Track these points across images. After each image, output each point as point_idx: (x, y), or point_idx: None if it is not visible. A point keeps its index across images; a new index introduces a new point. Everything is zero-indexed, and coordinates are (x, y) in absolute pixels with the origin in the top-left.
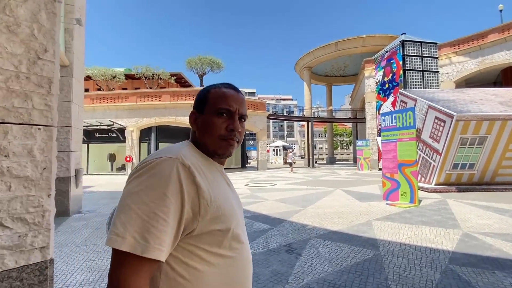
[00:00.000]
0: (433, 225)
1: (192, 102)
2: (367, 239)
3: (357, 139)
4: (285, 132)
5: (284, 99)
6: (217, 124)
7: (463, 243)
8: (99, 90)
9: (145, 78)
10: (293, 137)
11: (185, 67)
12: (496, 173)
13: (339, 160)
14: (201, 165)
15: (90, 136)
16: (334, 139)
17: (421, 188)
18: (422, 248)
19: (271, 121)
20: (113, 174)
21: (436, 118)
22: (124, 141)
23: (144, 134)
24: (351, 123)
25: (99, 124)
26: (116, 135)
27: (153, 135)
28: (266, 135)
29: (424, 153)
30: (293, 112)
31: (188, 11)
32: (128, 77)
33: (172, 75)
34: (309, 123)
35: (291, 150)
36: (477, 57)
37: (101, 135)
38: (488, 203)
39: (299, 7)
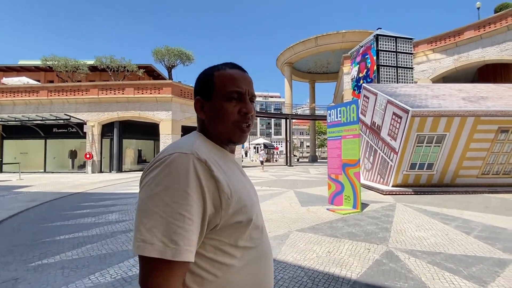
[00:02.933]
0: (359, 238)
1: (159, 95)
2: None
3: None
4: (273, 130)
5: (272, 96)
6: (229, 109)
7: (377, 266)
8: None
9: (110, 70)
10: (281, 134)
11: (153, 60)
12: (457, 174)
13: (323, 158)
14: (215, 157)
15: (47, 131)
16: (318, 137)
17: (377, 190)
18: (320, 275)
19: (258, 119)
20: (74, 172)
21: (394, 114)
22: (85, 136)
23: (106, 129)
24: None
25: (54, 118)
26: (76, 130)
27: (115, 131)
28: None
29: (383, 152)
30: (280, 109)
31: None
32: (95, 69)
33: (141, 67)
34: (288, 120)
35: (262, 148)
36: (453, 55)
37: (60, 130)
38: (439, 208)
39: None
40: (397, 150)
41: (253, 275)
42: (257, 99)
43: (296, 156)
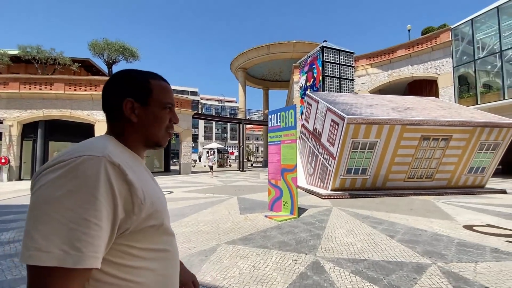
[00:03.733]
0: (289, 248)
1: (95, 93)
2: None
3: None
4: (228, 134)
5: (227, 101)
6: (165, 117)
7: (300, 280)
8: None
9: (37, 62)
10: (237, 139)
11: (90, 53)
12: (387, 178)
13: None
14: (128, 161)
15: None
16: None
17: (317, 194)
18: None
19: (213, 123)
20: None
21: (332, 120)
22: (0, 138)
23: (29, 130)
24: None
25: None
26: None
27: (40, 132)
28: (191, 135)
29: (323, 157)
30: (236, 114)
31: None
32: (19, 60)
33: (76, 61)
34: (241, 125)
35: (212, 152)
36: (387, 70)
37: None
38: (370, 212)
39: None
40: (335, 155)
41: (163, 277)
42: (213, 103)
43: (250, 161)
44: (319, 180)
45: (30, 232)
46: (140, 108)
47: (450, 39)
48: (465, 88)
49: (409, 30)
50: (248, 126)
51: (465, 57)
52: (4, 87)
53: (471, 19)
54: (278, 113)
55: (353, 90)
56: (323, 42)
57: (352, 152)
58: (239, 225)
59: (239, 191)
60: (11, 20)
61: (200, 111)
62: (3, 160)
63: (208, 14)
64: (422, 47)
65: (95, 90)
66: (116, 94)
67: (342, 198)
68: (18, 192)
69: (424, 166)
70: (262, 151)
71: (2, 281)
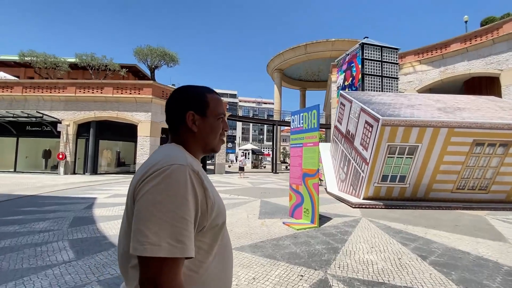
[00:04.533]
0: (299, 261)
1: (138, 96)
2: None
3: None
4: (265, 136)
5: (265, 103)
6: (219, 126)
7: None
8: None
9: (91, 69)
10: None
11: (135, 59)
12: (431, 188)
13: None
14: (200, 168)
15: (19, 129)
16: None
17: (347, 203)
18: None
19: (251, 124)
20: (46, 172)
21: (366, 122)
22: (59, 136)
23: (82, 129)
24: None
25: (26, 115)
26: (50, 129)
27: (92, 131)
28: (225, 136)
29: (355, 162)
30: (272, 116)
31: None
32: (76, 67)
33: (124, 67)
34: (275, 126)
35: (242, 154)
36: (439, 67)
37: (33, 129)
38: (404, 225)
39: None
40: (368, 161)
41: (224, 269)
42: (250, 105)
43: (286, 163)
44: (351, 187)
45: (142, 230)
46: (200, 119)
47: None
48: None
49: (466, 22)
50: (285, 128)
51: None
52: (63, 91)
53: None
54: (301, 114)
55: (397, 89)
56: (364, 38)
57: (388, 157)
58: (253, 230)
59: (265, 194)
60: (65, 30)
61: (238, 113)
62: (60, 156)
63: (243, 14)
64: (481, 39)
65: (138, 93)
66: (179, 108)
67: (375, 208)
68: (69, 185)
69: (477, 176)
70: None
71: (18, 269)
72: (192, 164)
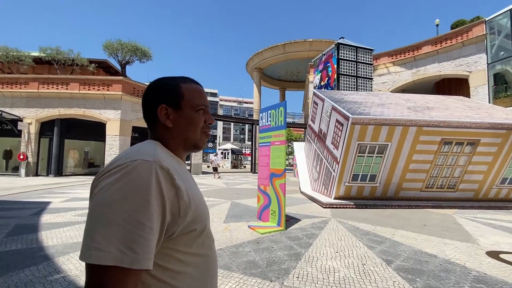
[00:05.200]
0: (256, 271)
1: (107, 92)
2: None
3: None
4: (246, 136)
5: (246, 102)
6: (199, 119)
7: None
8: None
9: (57, 63)
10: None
11: (104, 54)
12: (400, 187)
13: (291, 165)
14: (175, 166)
15: None
16: (289, 144)
17: (318, 202)
18: None
19: (232, 124)
20: (7, 174)
21: (337, 121)
22: (20, 135)
23: (46, 128)
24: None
25: None
26: (11, 127)
27: (56, 130)
28: None
29: (327, 162)
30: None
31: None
32: (41, 62)
33: (94, 62)
34: (254, 126)
35: (215, 154)
36: (411, 68)
37: None
38: (373, 226)
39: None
40: (338, 160)
41: (204, 281)
42: (231, 104)
43: None
44: (323, 187)
45: (91, 233)
46: (174, 112)
47: (485, 32)
48: (502, 88)
49: (437, 25)
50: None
51: (502, 53)
52: (25, 87)
53: (510, 10)
54: (269, 111)
55: (371, 89)
56: (340, 39)
57: (359, 156)
58: (215, 236)
59: (237, 195)
60: (31, 22)
61: (219, 112)
62: (21, 156)
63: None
64: (451, 42)
65: (107, 90)
66: (151, 102)
67: (345, 207)
68: (27, 188)
69: (445, 175)
70: None
71: None
72: (160, 160)
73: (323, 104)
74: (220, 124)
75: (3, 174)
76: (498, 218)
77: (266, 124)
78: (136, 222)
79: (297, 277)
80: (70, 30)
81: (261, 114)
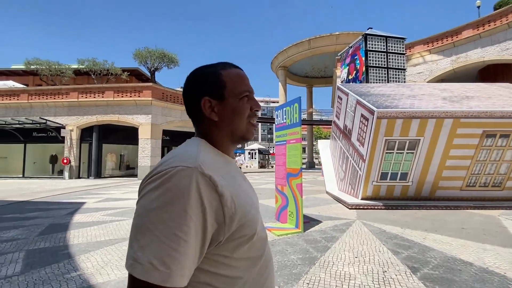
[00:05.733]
0: None
1: (138, 99)
2: None
3: None
4: (274, 135)
5: (273, 102)
6: (244, 107)
7: None
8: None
9: (93, 74)
10: None
11: (135, 62)
12: (436, 186)
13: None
14: (219, 167)
15: (26, 135)
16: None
17: (344, 203)
18: None
19: (259, 124)
20: (52, 177)
21: (362, 116)
22: (64, 141)
23: (86, 134)
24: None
25: (30, 122)
26: (55, 134)
27: (94, 135)
28: None
29: (353, 160)
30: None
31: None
32: (80, 73)
33: (126, 70)
34: None
35: (238, 154)
36: (451, 55)
37: (39, 135)
38: (402, 229)
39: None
40: (365, 157)
41: (258, 284)
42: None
43: None
44: (350, 187)
45: (131, 240)
46: (218, 104)
47: None
48: None
49: (478, 7)
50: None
51: None
52: (66, 97)
53: None
54: (284, 108)
55: (404, 81)
56: (368, 29)
57: (387, 153)
58: None
59: (259, 195)
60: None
61: None
62: (65, 161)
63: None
64: (495, 24)
65: (138, 96)
66: (193, 95)
67: (373, 208)
68: (68, 189)
69: (489, 171)
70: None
71: None
72: (202, 165)
73: (347, 98)
74: None
75: (50, 177)
76: None
77: (282, 122)
78: (171, 234)
79: (308, 283)
80: (102, 41)
81: (276, 112)
